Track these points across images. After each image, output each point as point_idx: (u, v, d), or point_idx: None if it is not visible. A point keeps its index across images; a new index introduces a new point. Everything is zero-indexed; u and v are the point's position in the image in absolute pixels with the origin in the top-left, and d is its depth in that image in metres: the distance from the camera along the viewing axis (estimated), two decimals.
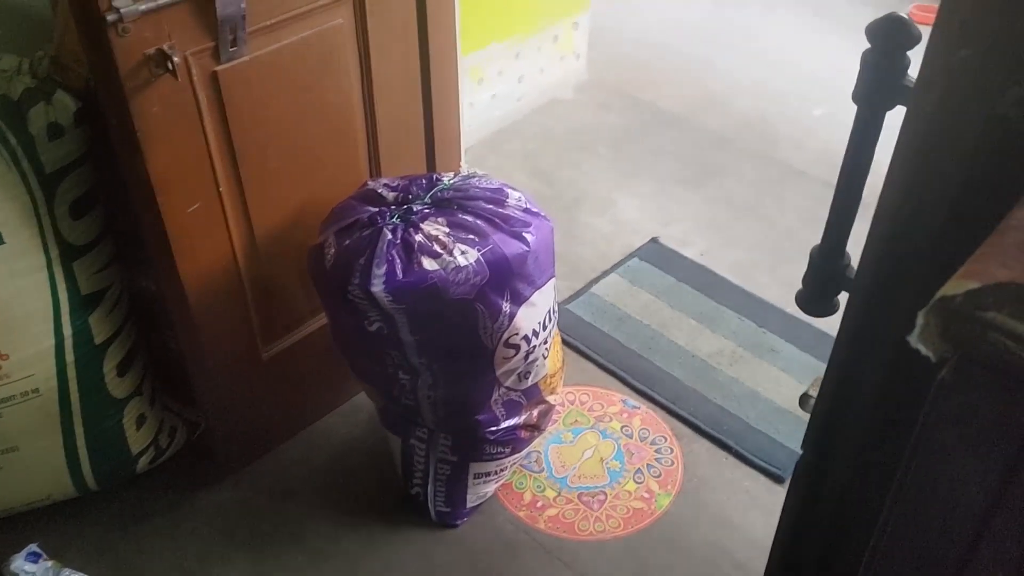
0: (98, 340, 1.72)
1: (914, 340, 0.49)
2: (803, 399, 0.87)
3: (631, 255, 2.55)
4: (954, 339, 0.48)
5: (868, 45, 0.78)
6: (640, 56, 3.50)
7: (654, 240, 2.60)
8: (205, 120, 1.54)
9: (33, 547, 1.74)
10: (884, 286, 0.67)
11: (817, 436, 0.74)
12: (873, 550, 0.59)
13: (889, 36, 0.74)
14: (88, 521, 1.88)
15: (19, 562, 1.71)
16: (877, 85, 0.77)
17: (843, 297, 0.85)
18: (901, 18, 0.75)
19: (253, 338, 1.85)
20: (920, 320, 0.49)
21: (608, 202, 2.76)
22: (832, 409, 0.70)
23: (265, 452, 2.01)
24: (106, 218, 1.72)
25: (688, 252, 2.57)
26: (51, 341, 1.65)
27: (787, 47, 3.59)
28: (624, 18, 3.68)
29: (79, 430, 1.75)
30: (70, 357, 1.68)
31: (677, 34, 3.66)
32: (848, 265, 0.85)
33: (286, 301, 1.87)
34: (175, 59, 1.41)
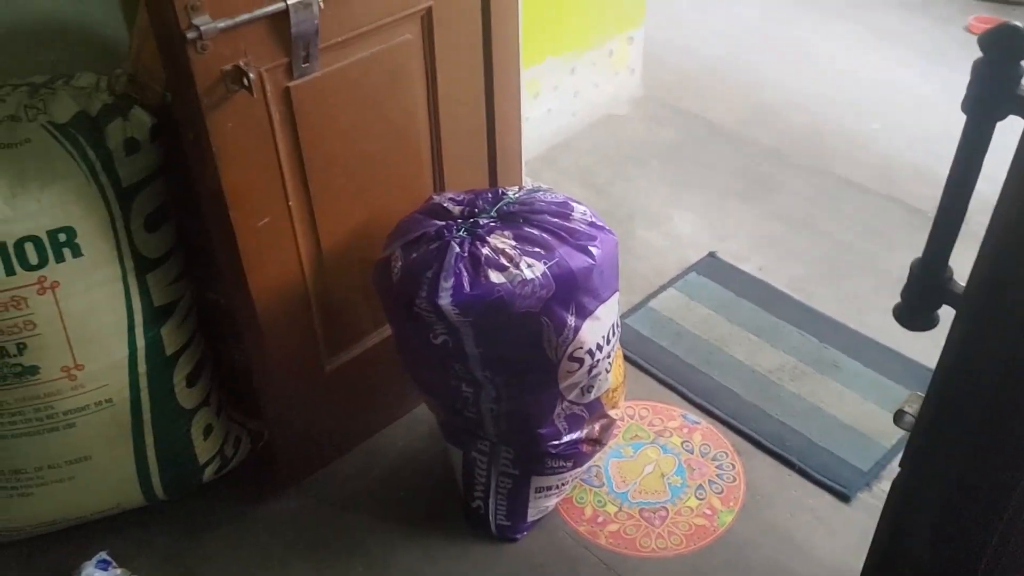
0: (169, 351, 1.75)
1: None
2: (898, 415, 0.86)
3: (688, 269, 2.54)
4: None
5: (980, 54, 0.77)
6: (693, 70, 3.49)
7: (711, 255, 2.59)
8: (277, 135, 1.56)
9: (103, 555, 1.78)
10: (996, 301, 0.65)
11: (917, 453, 0.73)
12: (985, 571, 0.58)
13: (1003, 45, 0.73)
14: (156, 530, 1.90)
15: (90, 569, 1.75)
16: (989, 95, 0.76)
17: (943, 312, 0.84)
18: (1016, 27, 0.74)
19: (317, 350, 1.87)
20: None
21: (663, 217, 2.75)
22: (934, 426, 0.69)
23: (327, 463, 2.03)
24: (177, 231, 1.76)
25: (746, 267, 2.55)
26: (125, 352, 1.68)
27: (841, 60, 3.56)
28: (677, 33, 3.68)
29: (149, 440, 1.78)
30: (142, 368, 1.71)
31: (730, 48, 3.64)
32: (951, 279, 0.84)
33: (350, 314, 1.89)
34: (251, 75, 1.44)
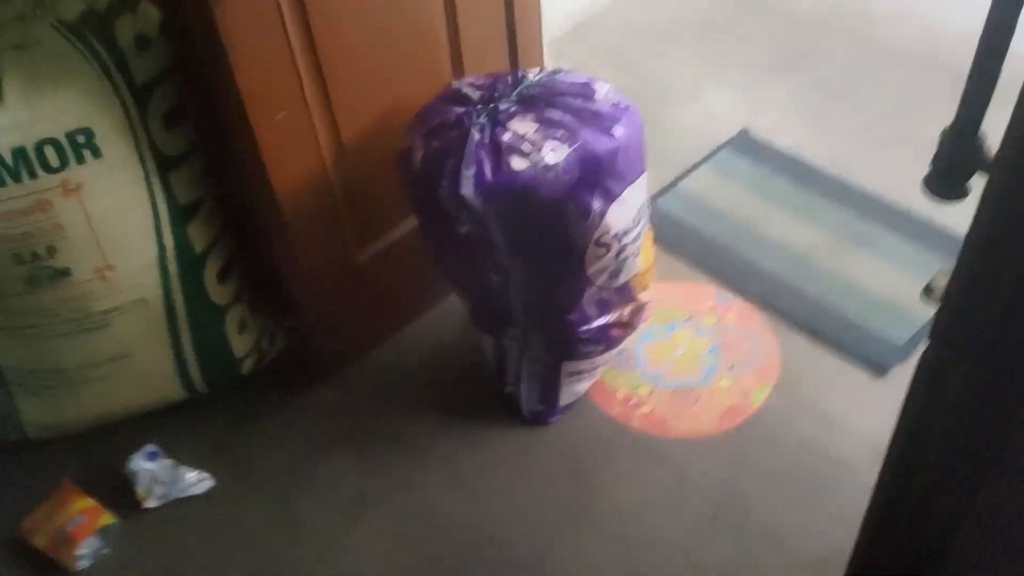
0: (198, 249, 1.76)
1: None
2: (927, 290, 0.83)
3: (720, 147, 2.47)
4: None
5: None
6: None
7: (744, 131, 2.51)
8: (288, 26, 1.52)
9: (151, 447, 1.84)
10: None
11: (946, 327, 0.70)
12: (995, 458, 0.56)
13: None
14: (200, 422, 1.96)
15: (139, 461, 1.81)
16: None
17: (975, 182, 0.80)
18: None
19: (345, 244, 1.87)
20: None
21: (695, 93, 2.67)
22: (965, 300, 0.66)
23: (361, 355, 2.06)
24: (197, 128, 1.74)
25: (781, 142, 2.47)
26: (154, 252, 1.70)
27: None
28: None
29: (185, 336, 1.81)
30: (173, 267, 1.73)
31: None
32: (983, 145, 0.79)
33: (376, 206, 1.88)
34: None
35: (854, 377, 1.94)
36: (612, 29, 2.91)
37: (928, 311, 2.08)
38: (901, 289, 2.08)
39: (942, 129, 0.83)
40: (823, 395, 1.91)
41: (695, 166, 2.43)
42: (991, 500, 0.75)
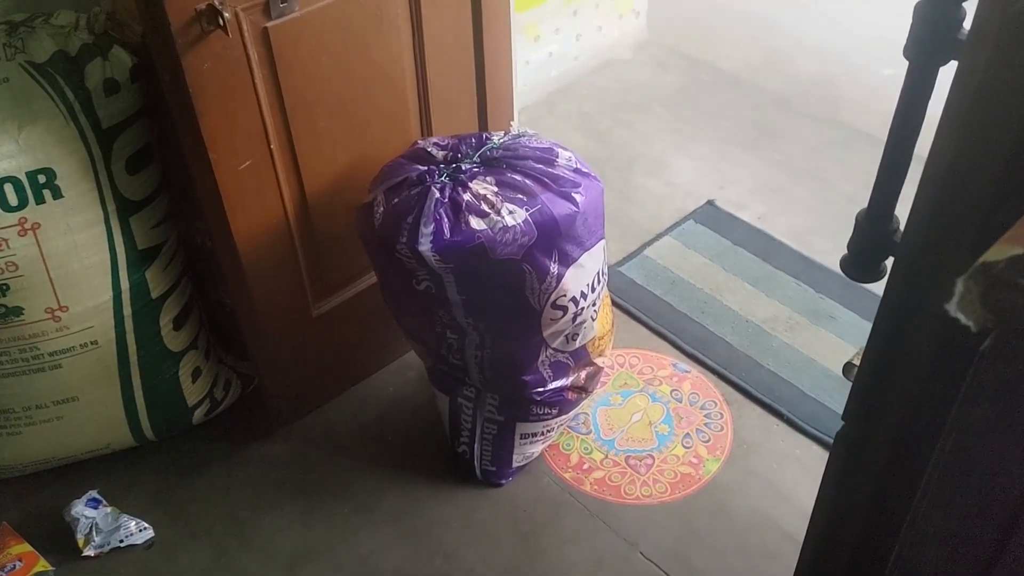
0: (155, 294, 1.75)
1: (953, 308, 0.47)
2: (847, 368, 0.85)
3: (686, 217, 2.51)
4: (996, 308, 0.46)
5: None
6: (700, 15, 3.41)
7: (710, 203, 2.55)
8: (256, 77, 1.54)
9: (93, 493, 1.81)
10: (931, 252, 0.63)
11: (859, 407, 0.71)
12: (908, 528, 0.57)
13: None
14: (146, 469, 1.93)
15: (80, 507, 1.78)
16: (930, 38, 0.73)
17: (891, 263, 0.82)
18: None
19: (304, 295, 1.87)
20: (959, 287, 0.46)
21: (663, 164, 2.71)
22: (875, 380, 0.68)
23: (316, 407, 2.04)
24: (162, 174, 1.75)
25: (745, 216, 2.51)
26: (109, 294, 1.69)
27: (853, 5, 3.46)
28: None
29: (137, 381, 1.80)
30: (128, 310, 1.72)
31: None
32: (896, 230, 0.81)
33: (337, 259, 1.89)
34: (226, 15, 1.42)
35: (807, 451, 1.95)
36: (584, 98, 2.97)
37: None
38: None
39: (857, 212, 0.86)
40: (776, 468, 1.92)
41: (660, 235, 2.46)
42: (908, 568, 0.75)
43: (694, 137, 2.81)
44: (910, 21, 0.76)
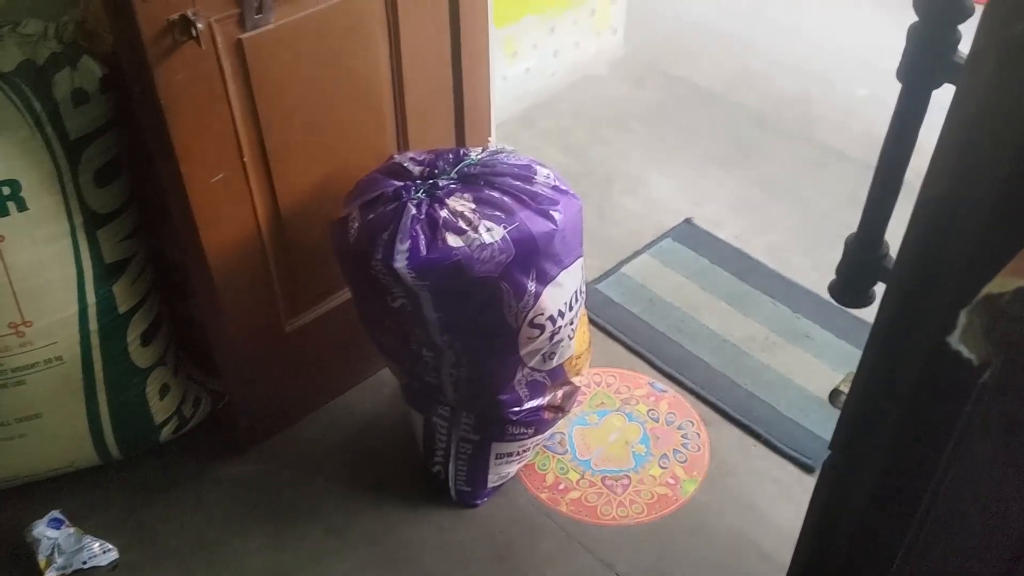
0: (122, 309, 1.71)
1: (955, 341, 0.45)
2: (833, 395, 0.83)
3: (663, 235, 2.50)
4: (1000, 341, 0.44)
5: (916, 19, 0.72)
6: (677, 32, 3.42)
7: (687, 221, 2.55)
8: (230, 89, 1.51)
9: (55, 513, 1.76)
10: (924, 279, 0.62)
11: (846, 436, 0.70)
12: (901, 564, 0.55)
13: (939, 8, 0.68)
14: (111, 489, 1.88)
15: (41, 528, 1.73)
16: (924, 61, 0.72)
17: (880, 288, 0.81)
18: None
19: (276, 311, 1.83)
20: (963, 319, 0.44)
21: (641, 181, 2.70)
22: (863, 408, 0.66)
23: (287, 425, 2.00)
24: (131, 187, 1.71)
25: (722, 234, 2.51)
26: (75, 308, 1.64)
27: (830, 25, 3.49)
28: None
29: (102, 398, 1.75)
30: (94, 325, 1.67)
31: (715, 10, 3.56)
32: (886, 255, 0.80)
33: (310, 274, 1.85)
34: (199, 25, 1.39)
35: (784, 471, 1.93)
36: (562, 114, 2.96)
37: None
38: (832, 387, 2.08)
39: (847, 236, 0.84)
40: (753, 489, 1.90)
41: (637, 252, 2.45)
42: None
43: (671, 154, 2.81)
44: (903, 43, 0.75)
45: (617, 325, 2.24)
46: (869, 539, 0.74)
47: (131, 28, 1.36)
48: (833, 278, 0.84)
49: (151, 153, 1.55)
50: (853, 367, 2.17)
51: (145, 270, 1.77)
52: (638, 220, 2.56)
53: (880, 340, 0.62)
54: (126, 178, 1.69)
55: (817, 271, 2.37)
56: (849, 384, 0.72)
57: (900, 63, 0.75)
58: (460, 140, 1.95)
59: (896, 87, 0.86)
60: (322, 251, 1.81)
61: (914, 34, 0.72)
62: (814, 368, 2.14)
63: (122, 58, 1.46)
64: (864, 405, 0.66)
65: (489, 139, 1.73)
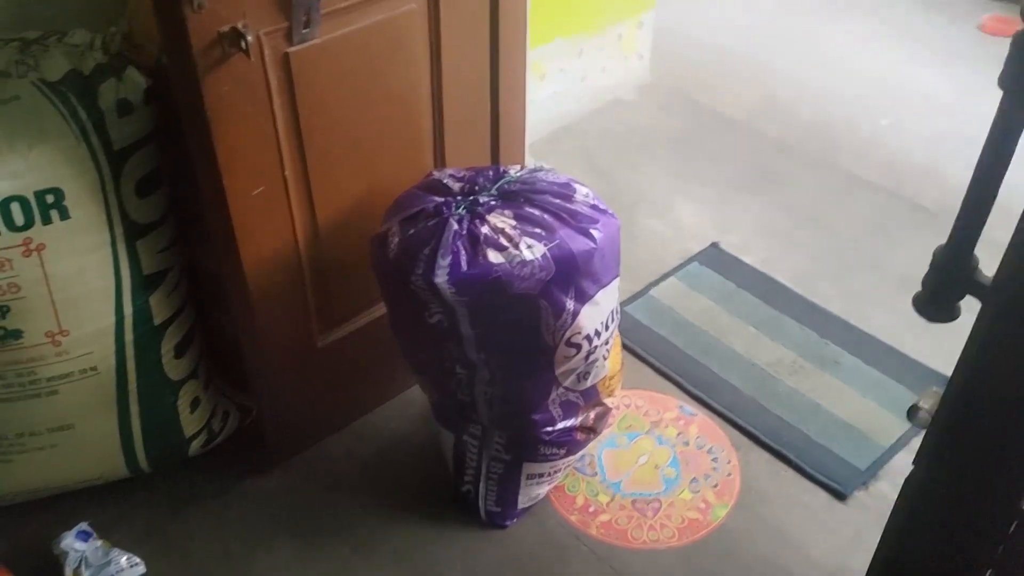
0: (157, 320, 1.71)
1: None
2: (912, 410, 0.82)
3: (691, 259, 2.50)
4: None
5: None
6: (702, 59, 3.44)
7: (714, 245, 2.54)
8: (275, 102, 1.52)
9: (84, 525, 1.74)
10: None
11: (934, 450, 0.69)
12: None
13: None
14: (138, 502, 1.87)
15: (69, 540, 1.71)
16: None
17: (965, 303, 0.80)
18: None
19: (309, 325, 1.83)
20: None
21: (667, 205, 2.71)
22: (953, 424, 0.65)
23: (316, 441, 1.99)
24: (170, 198, 1.71)
25: (748, 259, 2.51)
26: (111, 319, 1.64)
27: (853, 55, 3.51)
28: (686, 20, 3.62)
29: (134, 410, 1.74)
30: (129, 336, 1.67)
31: (741, 38, 3.59)
32: (976, 268, 0.79)
33: (344, 290, 1.85)
34: (249, 38, 1.39)
35: (815, 498, 1.92)
36: (588, 137, 2.97)
37: (890, 437, 2.07)
38: (862, 412, 2.08)
39: (935, 248, 0.83)
40: (784, 515, 1.88)
41: (665, 276, 2.44)
42: None
43: (697, 179, 2.81)
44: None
45: (646, 347, 2.23)
46: (957, 553, 0.72)
47: (181, 39, 1.37)
48: (918, 291, 0.83)
49: (193, 165, 1.55)
50: (881, 394, 2.16)
51: (180, 282, 1.77)
52: (665, 244, 2.56)
53: (975, 353, 0.61)
54: (165, 190, 1.69)
55: (844, 297, 2.36)
56: (928, 400, 0.71)
57: (1003, 71, 0.74)
58: (495, 159, 1.96)
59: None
60: (357, 266, 1.81)
61: (1019, 41, 0.72)
62: (843, 394, 2.13)
63: (170, 68, 1.47)
64: (955, 419, 0.65)
65: (529, 157, 1.73)
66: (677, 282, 2.42)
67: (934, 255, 0.82)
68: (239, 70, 1.44)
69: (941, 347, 2.23)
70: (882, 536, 0.83)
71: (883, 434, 2.03)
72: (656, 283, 2.42)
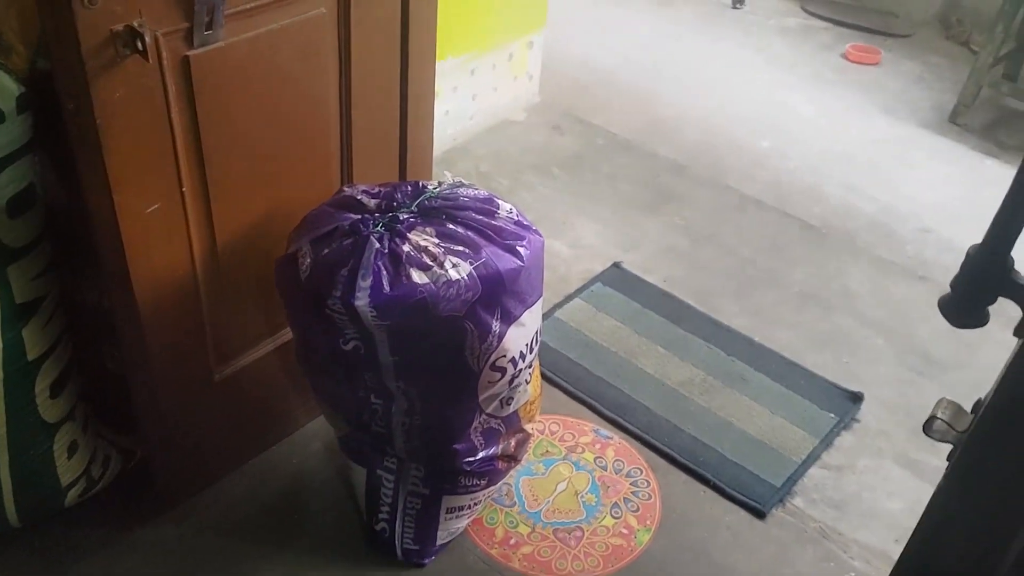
0: (31, 355, 1.51)
1: None
2: (928, 422, 0.78)
3: (594, 280, 2.46)
4: None
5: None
6: (589, 80, 3.45)
7: (616, 265, 2.52)
8: (172, 110, 1.38)
9: None
10: None
11: (968, 460, 0.64)
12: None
13: None
14: (9, 561, 1.65)
15: None
16: None
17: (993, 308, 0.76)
18: None
19: (206, 357, 1.67)
20: None
21: (566, 225, 2.67)
22: (989, 430, 0.61)
23: (210, 484, 1.82)
24: (45, 219, 1.53)
25: (651, 278, 2.49)
26: None
27: (729, 80, 3.60)
28: (570, 42, 3.63)
29: (3, 457, 1.54)
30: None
31: (623, 62, 3.63)
32: (1013, 269, 0.76)
33: (244, 317, 1.71)
34: (146, 38, 1.25)
35: (735, 517, 1.89)
36: (482, 158, 2.91)
37: (801, 453, 2.05)
38: (773, 429, 2.08)
39: (968, 247, 0.79)
40: (707, 536, 1.85)
41: (569, 297, 2.39)
42: None
43: (594, 199, 2.79)
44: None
45: (556, 370, 2.17)
46: (974, 567, 0.68)
47: (69, 37, 1.21)
48: (945, 293, 0.79)
49: (79, 180, 1.39)
50: (789, 410, 2.17)
51: (56, 312, 1.58)
52: (567, 265, 2.52)
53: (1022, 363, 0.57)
54: (40, 208, 1.51)
55: (746, 315, 2.37)
56: (943, 410, 0.67)
57: None
58: (403, 174, 1.86)
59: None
60: (258, 291, 1.68)
61: None
62: (753, 411, 2.13)
63: (55, 71, 1.31)
64: (991, 428, 0.61)
65: (446, 173, 1.65)
66: (583, 303, 2.38)
67: (967, 254, 0.78)
68: (134, 74, 1.29)
69: (839, 361, 2.28)
70: (904, 548, 0.78)
71: (794, 449, 2.04)
72: (561, 304, 2.37)
